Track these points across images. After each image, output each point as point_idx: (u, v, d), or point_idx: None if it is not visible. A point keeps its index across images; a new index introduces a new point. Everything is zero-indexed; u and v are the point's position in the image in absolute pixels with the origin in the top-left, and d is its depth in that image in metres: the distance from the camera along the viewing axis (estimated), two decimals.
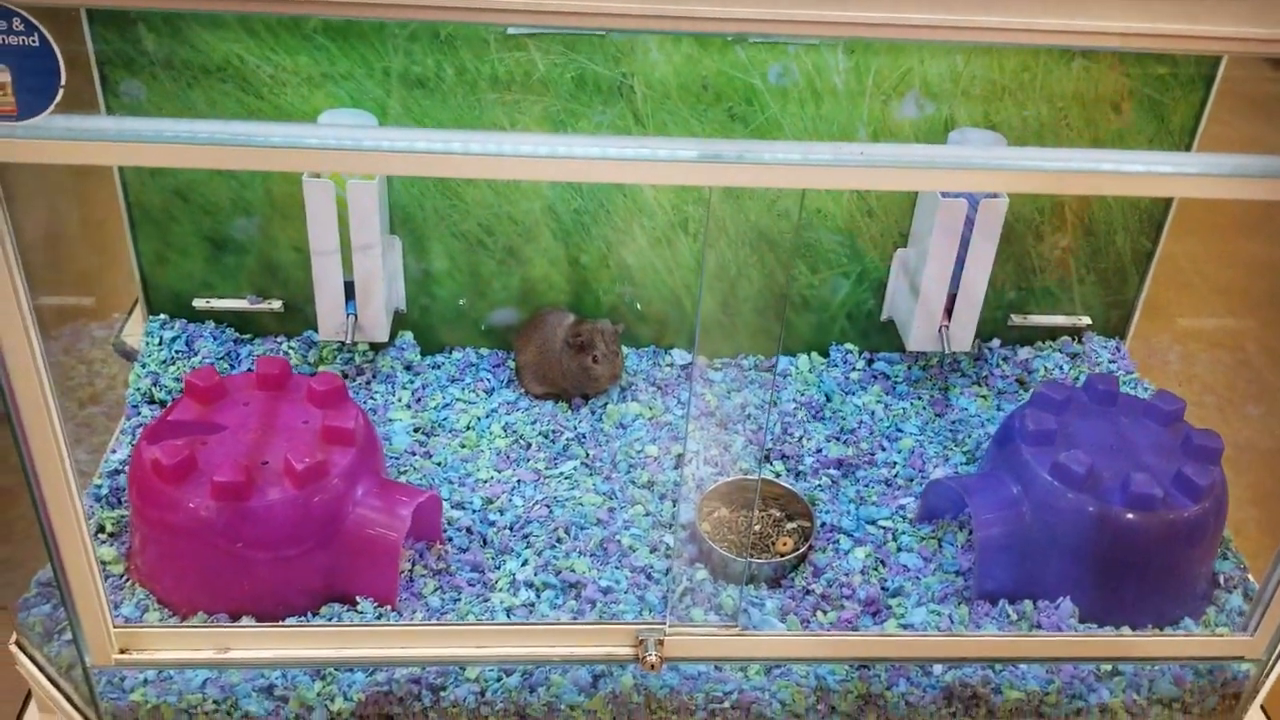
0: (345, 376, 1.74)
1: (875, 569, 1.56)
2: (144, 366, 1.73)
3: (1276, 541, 1.34)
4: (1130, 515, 1.45)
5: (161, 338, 1.78)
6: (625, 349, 1.85)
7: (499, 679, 1.38)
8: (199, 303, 1.80)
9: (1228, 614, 1.51)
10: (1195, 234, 2.16)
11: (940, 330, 1.79)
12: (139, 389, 1.70)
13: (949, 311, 1.78)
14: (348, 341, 1.73)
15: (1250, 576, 1.57)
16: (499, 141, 0.96)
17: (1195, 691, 1.44)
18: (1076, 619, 1.47)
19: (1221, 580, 1.56)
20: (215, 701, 1.32)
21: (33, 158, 0.92)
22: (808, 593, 1.51)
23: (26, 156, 0.92)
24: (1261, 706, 1.58)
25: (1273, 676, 1.49)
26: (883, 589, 1.52)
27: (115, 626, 1.21)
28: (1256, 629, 1.35)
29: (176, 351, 1.76)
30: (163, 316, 1.81)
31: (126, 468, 1.56)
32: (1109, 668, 1.44)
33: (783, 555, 1.55)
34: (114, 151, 0.95)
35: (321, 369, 1.77)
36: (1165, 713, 1.44)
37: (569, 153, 0.94)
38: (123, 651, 1.22)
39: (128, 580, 1.45)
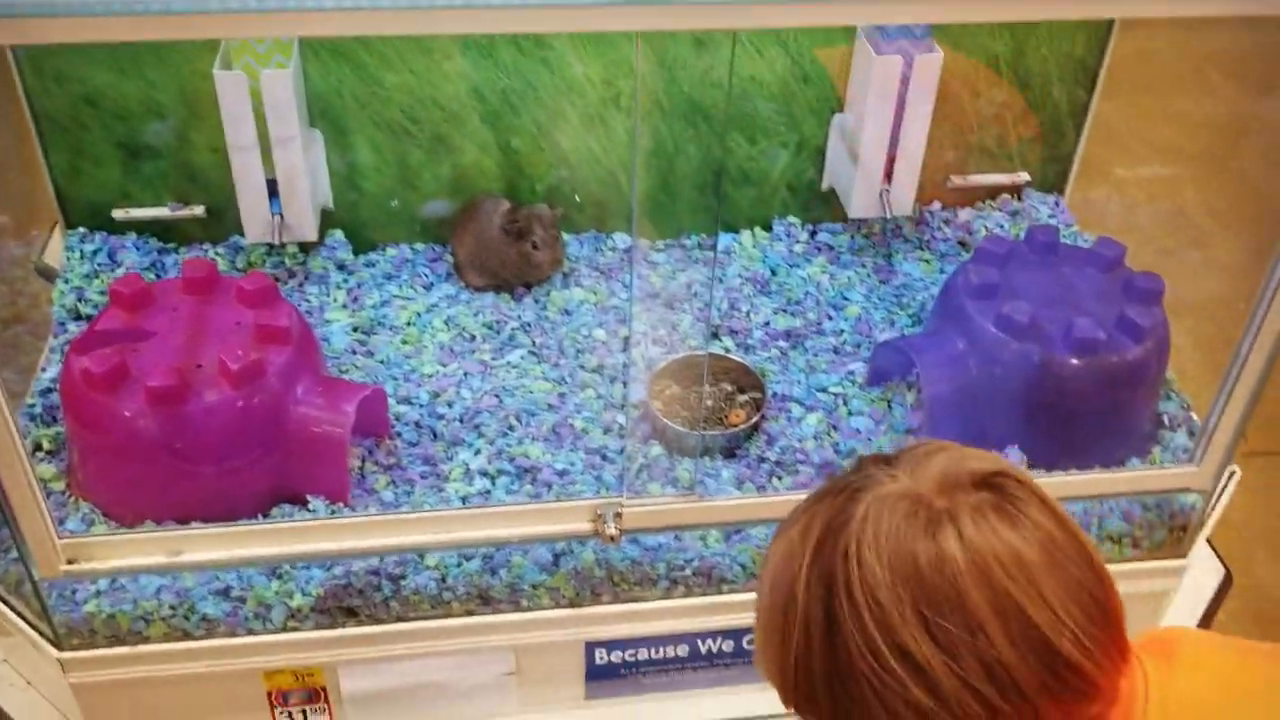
0: (277, 280, 1.69)
1: (828, 434, 1.56)
2: (67, 282, 1.67)
3: (1218, 382, 1.36)
4: (1074, 360, 1.45)
5: (82, 251, 1.71)
6: (565, 236, 1.82)
7: (459, 564, 1.37)
8: (118, 213, 1.73)
9: (1173, 452, 1.53)
10: (1127, 90, 2.16)
11: (881, 194, 1.77)
12: (64, 305, 1.65)
13: (889, 175, 1.76)
14: (276, 243, 1.68)
15: (1194, 415, 1.60)
16: None
17: (1144, 525, 1.46)
18: (1025, 465, 1.48)
19: (1166, 420, 1.59)
20: (171, 606, 1.30)
21: None
22: (762, 461, 1.51)
23: None
24: (1207, 540, 1.62)
25: (1219, 508, 1.52)
26: (836, 452, 1.53)
27: (61, 538, 1.18)
28: (1202, 459, 1.37)
29: (99, 265, 1.71)
30: (81, 230, 1.74)
31: (58, 384, 1.51)
32: None
33: (734, 427, 1.55)
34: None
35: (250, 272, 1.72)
36: (1116, 549, 1.47)
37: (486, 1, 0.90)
38: (70, 562, 1.20)
39: (70, 496, 1.41)
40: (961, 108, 1.84)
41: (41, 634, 1.30)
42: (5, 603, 1.33)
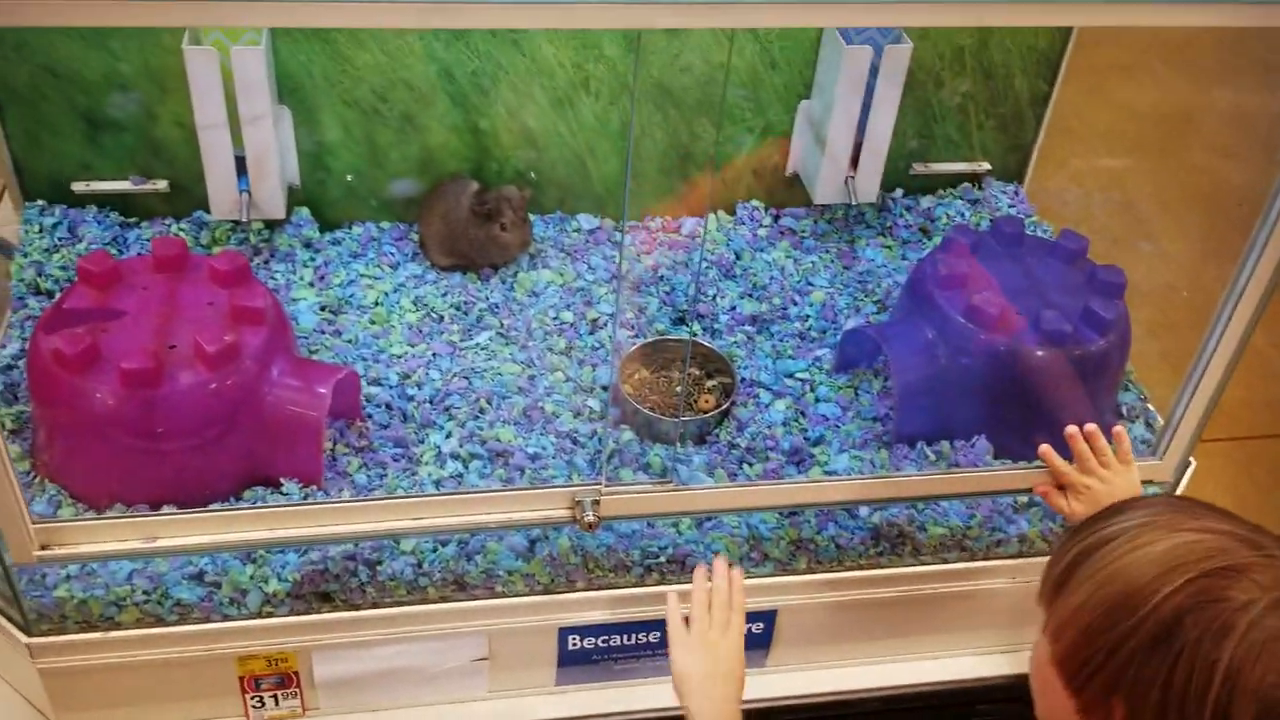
0: None
1: (796, 420, 1.58)
2: (25, 256, 1.63)
3: (1174, 373, 1.40)
4: (1041, 352, 1.49)
5: (41, 224, 1.67)
6: (531, 216, 1.81)
7: (435, 550, 1.37)
8: (78, 186, 1.69)
9: (1132, 443, 1.58)
10: (1085, 81, 2.20)
11: (847, 181, 1.79)
12: (23, 280, 1.61)
13: (855, 162, 1.78)
14: (242, 220, 1.66)
15: (1150, 406, 1.64)
16: None
17: None
18: (991, 456, 1.52)
19: (1124, 411, 1.63)
20: (145, 592, 1.29)
21: None
22: (733, 447, 1.53)
23: None
24: None
25: None
26: (805, 438, 1.55)
27: (34, 522, 1.16)
28: (1164, 452, 1.42)
29: (59, 239, 1.67)
30: (40, 202, 1.70)
31: (21, 362, 1.48)
32: (1025, 499, 1.50)
33: (705, 412, 1.56)
34: None
35: (218, 250, 1.69)
36: None
37: None
38: (44, 548, 1.18)
39: (35, 477, 1.38)
40: (927, 97, 1.87)
41: (10, 619, 1.28)
42: None
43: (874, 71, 1.70)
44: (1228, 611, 0.81)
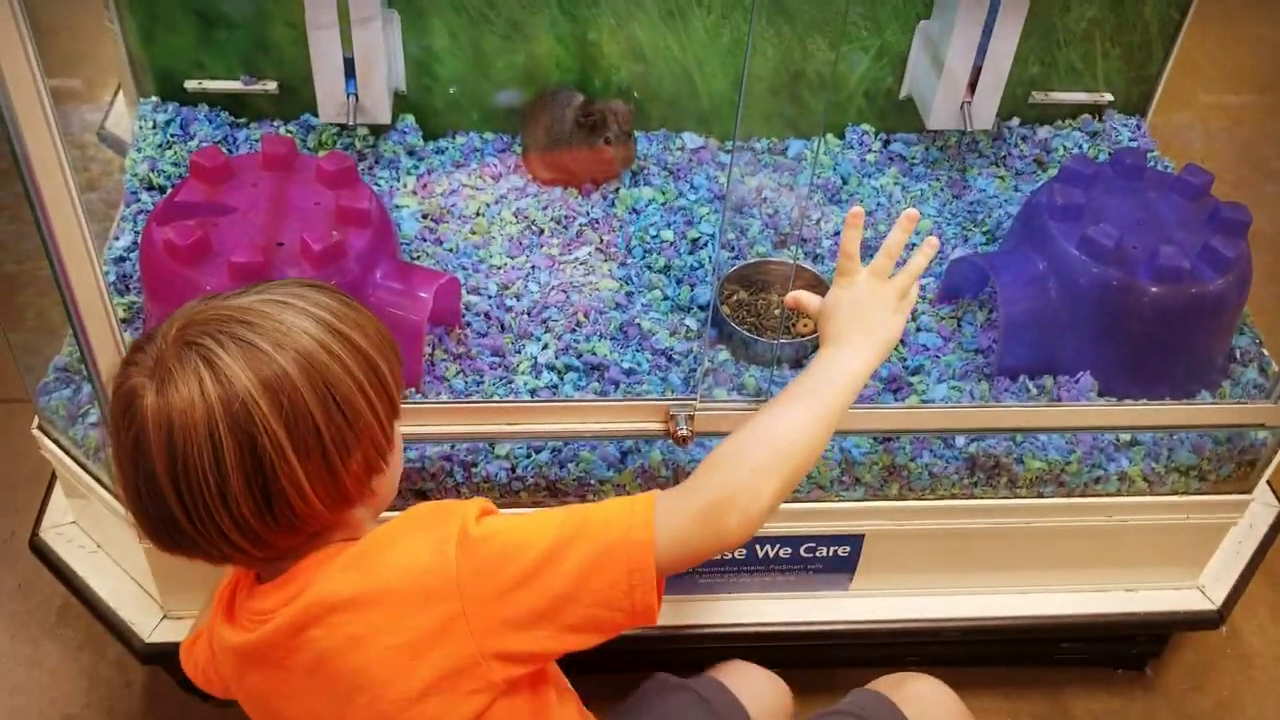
0: None
1: (896, 348, 1.55)
2: (139, 151, 1.66)
3: None
4: (1156, 288, 1.44)
5: (155, 121, 1.70)
6: (635, 133, 1.79)
7: (529, 456, 1.38)
8: (191, 84, 1.72)
9: (1244, 387, 1.52)
10: (1217, 14, 2.09)
11: (963, 107, 1.74)
12: (136, 174, 1.64)
13: (972, 86, 1.73)
14: (349, 124, 1.66)
15: (1265, 351, 1.58)
16: None
17: (1213, 459, 1.46)
18: (1096, 393, 1.48)
19: (1238, 355, 1.57)
20: None
21: None
22: None
23: None
24: (1268, 482, 1.62)
25: None
26: (904, 367, 1.52)
27: None
28: (1278, 397, 1.36)
29: (171, 135, 1.69)
30: (154, 99, 1.73)
31: (134, 254, 1.52)
32: (1129, 438, 1.46)
33: (803, 336, 1.54)
34: None
35: (324, 152, 1.71)
36: (1182, 480, 1.47)
37: None
38: None
39: None
40: (1051, 21, 1.79)
41: (117, 497, 1.32)
42: (82, 466, 1.35)
43: None
44: None
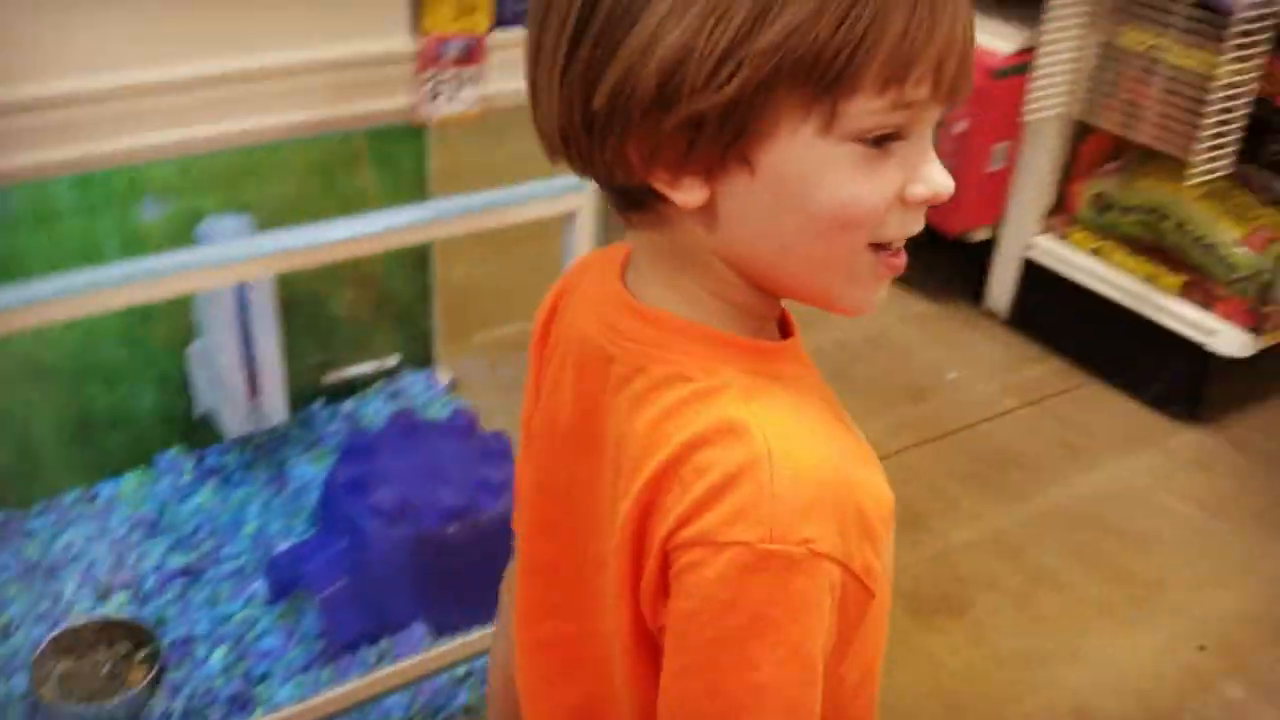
0: None
1: (238, 663, 1.55)
2: None
3: None
4: (447, 530, 1.57)
5: None
6: None
7: None
8: None
9: None
10: (462, 260, 2.39)
11: (252, 408, 1.82)
12: None
13: (254, 388, 1.81)
14: None
15: None
16: None
17: None
18: (429, 638, 1.57)
19: None
20: None
21: None
22: (167, 717, 1.47)
23: None
24: None
25: None
26: (247, 680, 1.52)
27: None
28: None
29: None
30: None
31: None
32: (464, 671, 1.55)
33: (132, 688, 1.50)
34: None
35: None
36: None
37: None
38: None
39: None
40: (316, 309, 1.94)
41: None
42: None
43: (245, 305, 1.75)
44: None
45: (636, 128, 0.63)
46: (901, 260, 0.68)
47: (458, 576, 1.60)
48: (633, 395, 0.69)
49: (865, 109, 0.62)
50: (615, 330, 0.71)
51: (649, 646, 0.69)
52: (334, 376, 2.01)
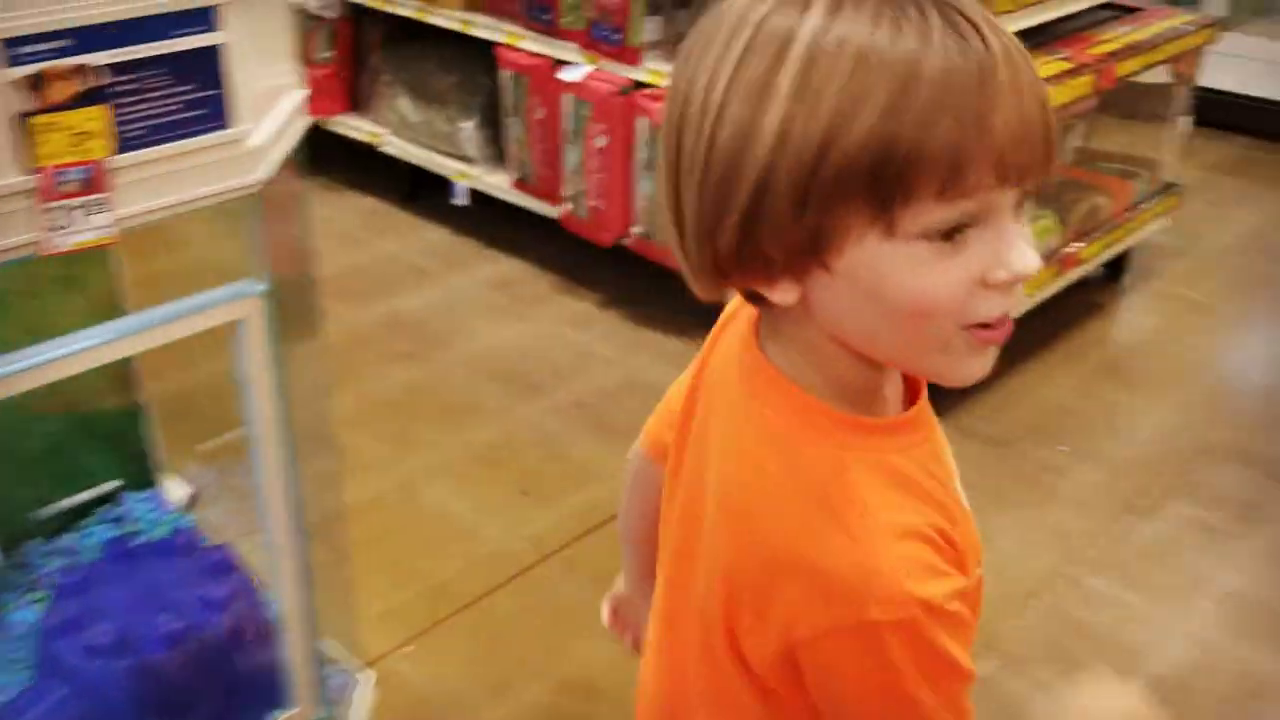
0: None
1: None
2: None
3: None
4: (171, 654, 1.52)
5: None
6: None
7: None
8: None
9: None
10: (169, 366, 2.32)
11: None
12: None
13: None
14: None
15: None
16: None
17: None
18: None
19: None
20: None
21: None
22: None
23: None
24: None
25: None
26: None
27: None
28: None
29: None
30: None
31: None
32: None
33: None
34: None
35: None
36: None
37: None
38: None
39: None
40: (14, 446, 1.85)
41: None
42: None
43: None
44: None
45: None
46: (999, 333, 0.73)
47: (201, 697, 1.55)
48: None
49: (924, 211, 0.67)
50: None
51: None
52: (48, 511, 1.92)
